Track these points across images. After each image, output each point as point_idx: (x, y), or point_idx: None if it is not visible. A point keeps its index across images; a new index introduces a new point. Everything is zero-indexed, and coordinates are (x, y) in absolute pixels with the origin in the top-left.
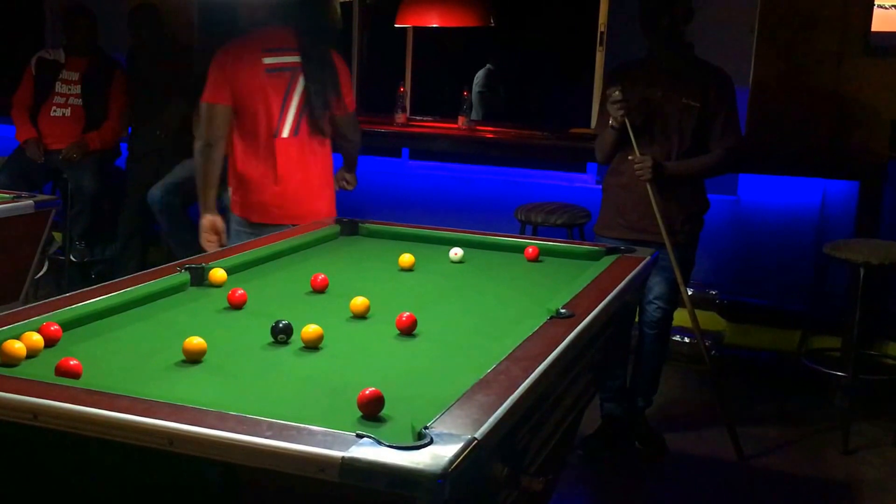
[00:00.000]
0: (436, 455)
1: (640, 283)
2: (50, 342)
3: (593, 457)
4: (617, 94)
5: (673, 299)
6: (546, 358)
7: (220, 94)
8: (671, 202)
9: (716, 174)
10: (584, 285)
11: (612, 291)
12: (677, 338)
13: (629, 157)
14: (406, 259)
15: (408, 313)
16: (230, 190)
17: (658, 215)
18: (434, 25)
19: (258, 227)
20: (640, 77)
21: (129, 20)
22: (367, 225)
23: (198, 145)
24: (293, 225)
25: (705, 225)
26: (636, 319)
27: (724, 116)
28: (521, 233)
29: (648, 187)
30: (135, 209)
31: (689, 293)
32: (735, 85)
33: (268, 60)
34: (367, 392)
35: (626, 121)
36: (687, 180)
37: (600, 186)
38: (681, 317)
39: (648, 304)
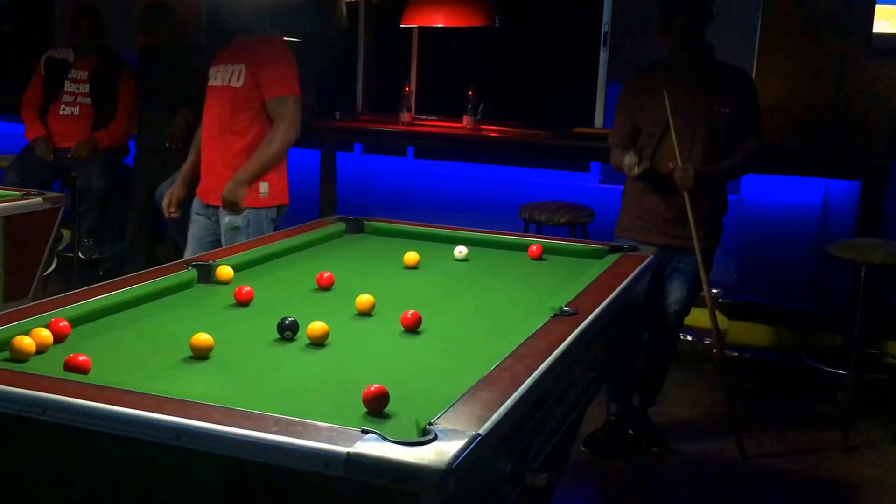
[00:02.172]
0: (440, 451)
1: (642, 282)
2: (59, 338)
3: (596, 454)
4: (630, 159)
5: (689, 303)
6: (549, 355)
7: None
8: (699, 208)
9: (740, 176)
10: (588, 283)
11: (615, 289)
12: (679, 336)
13: (670, 165)
14: (411, 257)
15: (412, 311)
16: None
17: (692, 222)
18: (439, 25)
19: None
20: (666, 82)
21: (141, 18)
22: (372, 223)
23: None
24: None
25: None
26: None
27: (749, 119)
28: (525, 231)
29: (685, 195)
30: (142, 206)
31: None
32: None
33: None
34: (372, 388)
35: (672, 130)
36: (714, 185)
37: (604, 186)
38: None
39: (665, 306)
